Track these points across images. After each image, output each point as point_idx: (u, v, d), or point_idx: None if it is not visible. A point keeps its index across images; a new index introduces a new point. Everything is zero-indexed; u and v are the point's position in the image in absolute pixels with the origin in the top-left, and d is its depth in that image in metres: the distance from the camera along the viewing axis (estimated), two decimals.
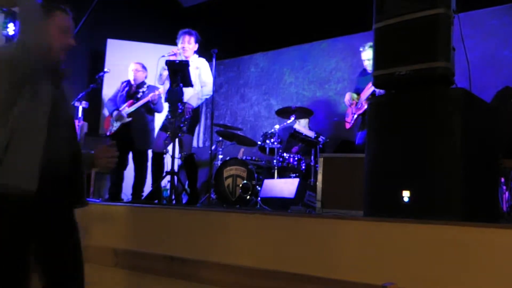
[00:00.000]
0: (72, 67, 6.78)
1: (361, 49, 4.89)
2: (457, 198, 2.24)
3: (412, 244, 2.05)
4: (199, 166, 7.01)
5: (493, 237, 1.87)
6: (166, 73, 4.78)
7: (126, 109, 5.15)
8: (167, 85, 4.78)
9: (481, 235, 1.90)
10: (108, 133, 5.28)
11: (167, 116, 4.71)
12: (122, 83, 5.44)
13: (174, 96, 4.57)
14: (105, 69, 5.80)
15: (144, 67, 5.38)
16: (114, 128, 5.18)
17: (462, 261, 1.91)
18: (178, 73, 4.37)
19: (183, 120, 4.65)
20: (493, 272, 1.84)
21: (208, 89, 4.92)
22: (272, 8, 6.70)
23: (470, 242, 1.91)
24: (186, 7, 7.76)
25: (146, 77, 5.38)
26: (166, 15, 7.36)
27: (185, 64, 4.43)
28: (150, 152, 5.08)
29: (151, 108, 5.19)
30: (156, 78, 4.98)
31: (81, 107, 5.31)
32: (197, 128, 7.69)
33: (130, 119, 5.13)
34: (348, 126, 5.03)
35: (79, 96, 5.31)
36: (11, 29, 6.07)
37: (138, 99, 5.15)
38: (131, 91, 5.30)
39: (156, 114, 5.34)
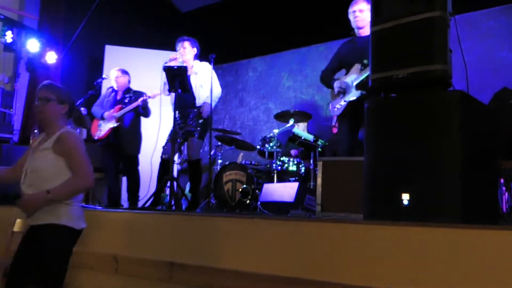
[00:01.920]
0: (71, 74, 6.83)
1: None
2: (457, 200, 2.24)
3: (412, 247, 2.05)
4: None
5: (493, 238, 1.88)
6: None
7: (114, 114, 5.14)
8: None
9: (481, 237, 1.91)
10: (96, 138, 5.25)
11: (176, 122, 4.68)
12: (108, 89, 5.43)
13: (184, 102, 4.57)
14: (103, 76, 5.79)
15: (124, 72, 5.33)
16: (102, 133, 5.15)
17: (462, 263, 1.91)
18: (177, 78, 4.37)
19: (197, 123, 4.63)
20: (493, 273, 1.84)
21: (217, 92, 4.90)
22: (269, 12, 6.71)
23: (470, 244, 1.91)
24: (184, 12, 7.77)
25: (129, 82, 5.34)
26: (164, 21, 7.38)
27: (183, 70, 4.43)
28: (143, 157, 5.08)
29: (139, 113, 5.17)
30: (162, 89, 4.85)
31: None
32: None
33: (117, 124, 5.11)
34: (335, 130, 5.02)
35: (78, 102, 5.30)
36: (9, 36, 6.09)
37: (126, 104, 5.15)
38: (117, 97, 5.29)
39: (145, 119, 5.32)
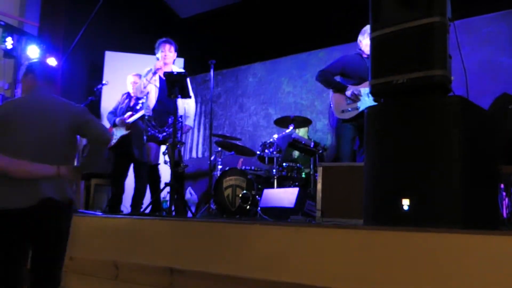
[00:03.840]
0: (71, 80, 6.83)
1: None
2: (457, 205, 2.23)
3: (413, 252, 2.04)
4: (199, 176, 7.04)
5: (493, 244, 1.87)
6: (150, 87, 4.82)
7: (124, 121, 5.14)
8: (154, 100, 4.86)
9: (482, 242, 1.90)
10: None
11: (151, 126, 4.76)
12: (123, 95, 5.44)
13: (165, 107, 4.59)
14: (103, 82, 5.80)
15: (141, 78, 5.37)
16: (114, 141, 5.16)
17: (463, 269, 1.90)
18: (176, 84, 4.37)
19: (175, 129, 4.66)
20: (494, 279, 1.83)
21: (193, 105, 4.96)
22: (269, 17, 6.72)
23: (471, 249, 1.91)
24: (183, 18, 7.79)
25: (145, 88, 5.35)
26: (164, 27, 7.38)
27: (183, 75, 4.43)
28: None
29: None
30: (138, 90, 4.92)
31: None
32: (196, 138, 7.74)
33: (128, 131, 5.11)
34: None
35: None
36: (9, 43, 6.10)
37: (137, 111, 5.15)
38: (131, 103, 5.29)
39: None
